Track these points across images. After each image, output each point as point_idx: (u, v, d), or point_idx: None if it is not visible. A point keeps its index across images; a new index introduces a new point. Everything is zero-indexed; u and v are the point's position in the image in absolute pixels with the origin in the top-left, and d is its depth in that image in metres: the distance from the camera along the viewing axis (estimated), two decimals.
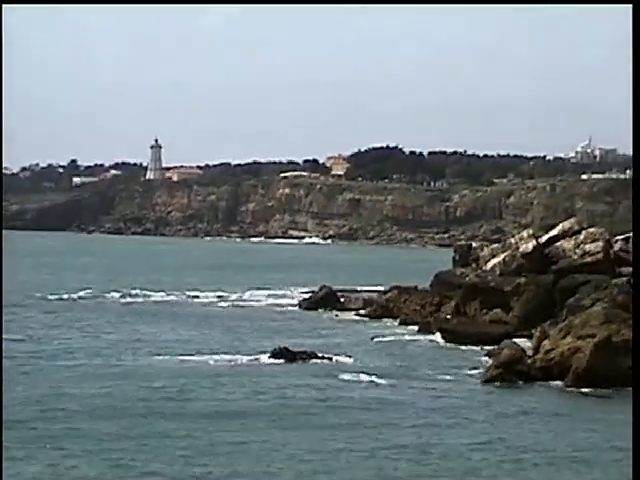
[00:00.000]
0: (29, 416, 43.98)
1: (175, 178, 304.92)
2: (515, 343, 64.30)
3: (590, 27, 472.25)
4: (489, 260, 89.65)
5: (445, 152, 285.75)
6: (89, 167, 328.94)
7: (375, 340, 72.94)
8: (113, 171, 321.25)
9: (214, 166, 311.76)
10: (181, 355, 62.78)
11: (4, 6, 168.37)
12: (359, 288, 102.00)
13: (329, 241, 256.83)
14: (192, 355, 62.79)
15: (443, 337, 73.02)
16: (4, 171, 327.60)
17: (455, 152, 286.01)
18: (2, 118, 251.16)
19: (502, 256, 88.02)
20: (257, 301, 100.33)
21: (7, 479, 33.74)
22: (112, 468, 36.33)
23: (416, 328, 78.28)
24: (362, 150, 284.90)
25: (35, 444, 38.96)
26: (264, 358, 61.61)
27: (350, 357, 63.02)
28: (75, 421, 43.53)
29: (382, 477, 36.35)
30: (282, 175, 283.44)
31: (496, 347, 63.61)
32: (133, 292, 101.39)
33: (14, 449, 37.50)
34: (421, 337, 74.89)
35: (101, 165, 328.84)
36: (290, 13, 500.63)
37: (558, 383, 55.34)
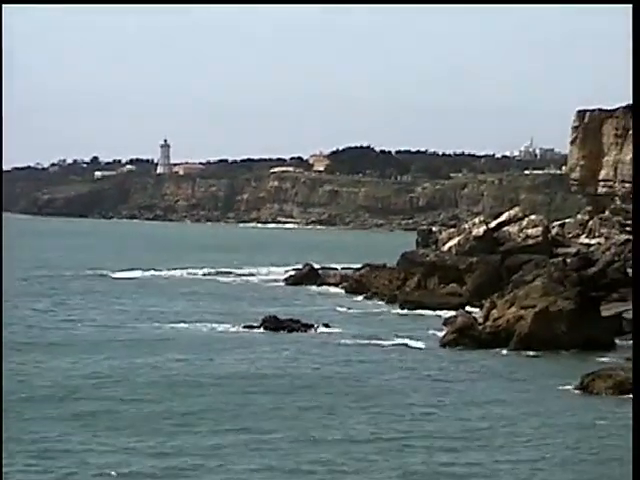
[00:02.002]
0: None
1: (181, 172, 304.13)
2: (468, 312, 64.45)
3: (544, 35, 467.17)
4: (446, 242, 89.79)
5: (410, 151, 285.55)
6: (108, 163, 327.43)
7: (350, 310, 72.86)
8: (129, 166, 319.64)
9: (214, 162, 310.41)
10: (187, 323, 62.72)
11: (4, 6, 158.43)
12: (337, 266, 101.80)
13: (312, 226, 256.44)
14: (194, 323, 62.72)
15: (408, 307, 73.22)
16: (36, 166, 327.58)
17: (418, 151, 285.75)
18: (2, 119, 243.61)
19: (457, 239, 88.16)
20: (249, 276, 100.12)
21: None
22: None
23: (385, 300, 78.32)
24: (340, 149, 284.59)
25: None
26: (256, 325, 61.48)
27: (328, 324, 62.91)
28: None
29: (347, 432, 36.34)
30: (271, 170, 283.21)
31: (452, 315, 63.73)
32: (143, 270, 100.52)
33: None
34: (389, 307, 74.91)
35: (119, 161, 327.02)
36: (268, 17, 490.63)
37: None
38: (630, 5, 68.61)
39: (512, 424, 37.35)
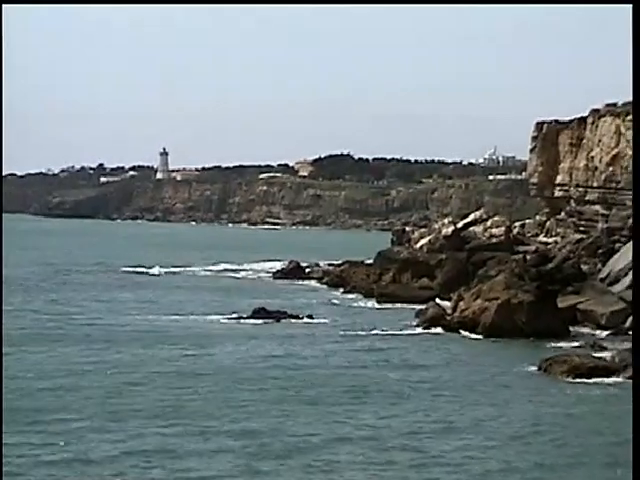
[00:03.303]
0: None
1: (178, 177, 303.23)
2: (438, 304, 64.53)
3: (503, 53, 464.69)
4: (418, 241, 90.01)
5: (385, 158, 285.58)
6: (113, 169, 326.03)
7: (331, 302, 72.87)
8: (131, 172, 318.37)
9: (208, 168, 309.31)
10: (184, 315, 62.56)
11: (4, 6, 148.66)
12: (319, 262, 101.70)
13: (297, 226, 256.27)
14: (189, 315, 62.53)
15: (383, 300, 73.18)
16: (48, 172, 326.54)
17: (393, 158, 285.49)
18: (2, 121, 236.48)
19: (428, 238, 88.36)
20: (239, 272, 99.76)
21: None
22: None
23: (363, 293, 78.27)
24: (322, 156, 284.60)
25: None
26: (246, 316, 61.38)
27: (312, 315, 62.89)
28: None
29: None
30: (260, 175, 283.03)
31: (424, 307, 63.80)
32: (141, 267, 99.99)
33: None
34: (366, 300, 74.86)
35: (122, 167, 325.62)
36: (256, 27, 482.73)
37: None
38: (630, 5, 64.63)
39: (479, 403, 37.51)
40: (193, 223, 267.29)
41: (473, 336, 55.39)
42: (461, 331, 56.57)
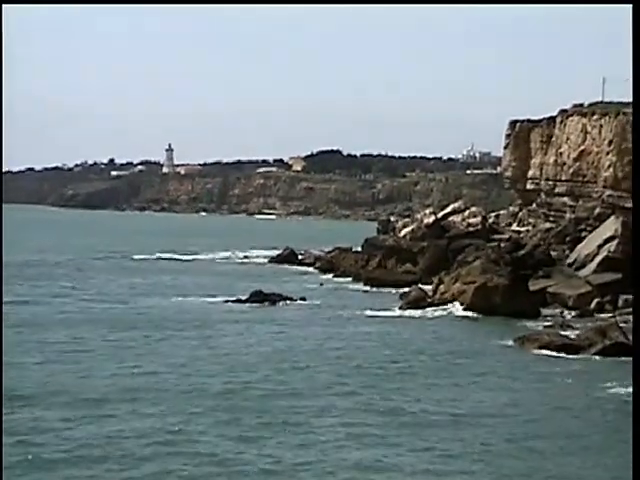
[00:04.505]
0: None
1: (183, 172, 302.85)
2: (420, 287, 64.62)
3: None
4: (402, 229, 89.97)
5: (372, 154, 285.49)
6: (123, 164, 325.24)
7: (322, 286, 72.88)
8: (139, 167, 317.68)
9: (210, 164, 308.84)
10: (188, 297, 62.52)
11: (4, 6, 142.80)
12: (312, 249, 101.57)
13: (291, 216, 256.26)
14: (193, 297, 62.48)
15: (370, 284, 73.26)
16: (63, 166, 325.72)
17: (379, 154, 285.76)
18: (2, 121, 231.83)
19: (411, 227, 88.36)
20: (238, 257, 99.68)
21: None
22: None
23: (351, 277, 78.30)
24: (314, 152, 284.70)
25: None
26: (244, 298, 61.32)
27: (305, 297, 62.87)
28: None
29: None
30: (258, 170, 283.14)
31: (407, 290, 63.86)
32: (149, 254, 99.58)
33: None
34: (355, 283, 74.92)
35: (131, 163, 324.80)
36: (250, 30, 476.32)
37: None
38: (630, 5, 61.54)
39: (459, 375, 37.72)
40: (203, 213, 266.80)
41: (452, 310, 55.81)
42: (443, 305, 57.11)
